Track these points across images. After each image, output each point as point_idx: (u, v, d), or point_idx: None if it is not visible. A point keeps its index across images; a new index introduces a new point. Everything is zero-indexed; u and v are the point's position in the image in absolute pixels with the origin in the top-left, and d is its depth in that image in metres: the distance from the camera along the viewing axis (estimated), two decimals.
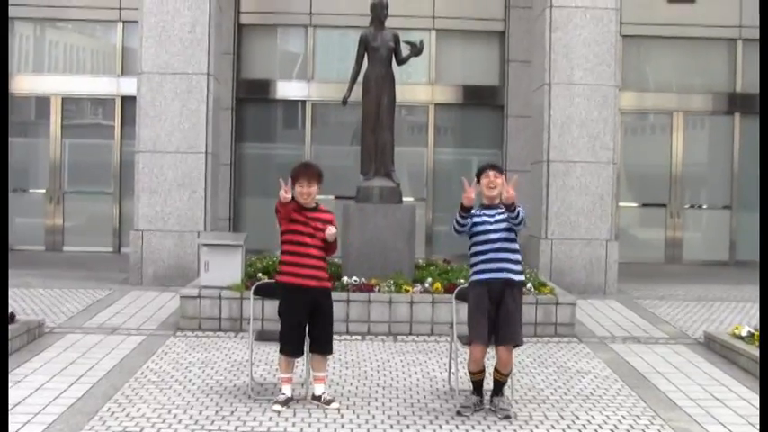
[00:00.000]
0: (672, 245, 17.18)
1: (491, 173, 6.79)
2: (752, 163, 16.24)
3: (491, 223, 6.70)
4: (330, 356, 7.11)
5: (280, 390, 6.85)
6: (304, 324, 6.77)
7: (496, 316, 6.61)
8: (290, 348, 6.76)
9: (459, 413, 6.62)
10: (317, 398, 6.82)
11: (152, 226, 12.71)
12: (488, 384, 6.91)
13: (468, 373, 6.83)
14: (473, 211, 6.75)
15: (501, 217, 6.71)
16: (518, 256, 6.78)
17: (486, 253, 6.69)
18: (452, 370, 7.26)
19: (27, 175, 17.06)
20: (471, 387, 6.85)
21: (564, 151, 12.87)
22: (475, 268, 6.78)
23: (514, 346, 6.67)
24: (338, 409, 6.67)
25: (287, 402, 6.70)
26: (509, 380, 6.83)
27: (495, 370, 6.72)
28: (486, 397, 6.83)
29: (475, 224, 6.71)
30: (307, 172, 6.79)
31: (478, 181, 6.80)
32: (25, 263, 14.15)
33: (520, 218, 6.65)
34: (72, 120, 17.12)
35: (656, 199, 17.19)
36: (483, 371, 6.75)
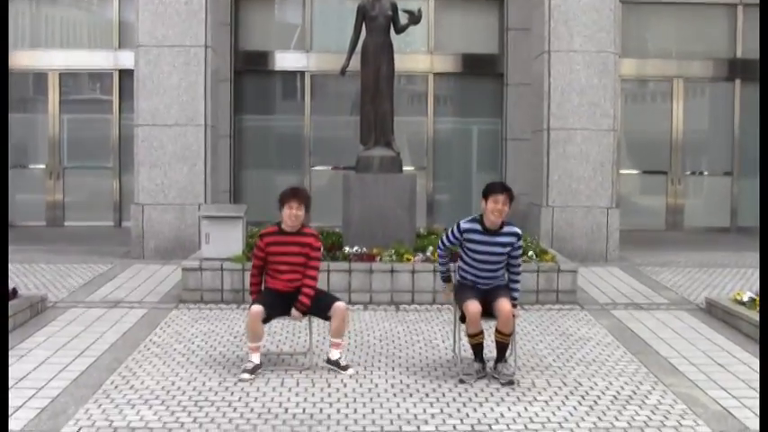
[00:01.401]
0: (673, 212, 17.17)
1: (501, 198, 6.63)
2: (753, 129, 16.22)
3: (485, 253, 6.76)
4: (347, 315, 7.10)
5: (248, 357, 6.90)
6: (279, 302, 6.89)
7: (489, 298, 6.73)
8: (261, 302, 6.80)
9: (461, 381, 6.64)
10: (332, 362, 6.92)
11: (152, 199, 12.70)
12: (491, 352, 6.92)
13: (468, 338, 6.84)
14: (471, 226, 6.77)
15: (498, 250, 6.75)
16: (505, 275, 6.92)
17: (476, 274, 6.84)
18: (456, 338, 7.26)
19: (26, 151, 17.03)
20: (473, 355, 6.88)
21: (564, 119, 12.84)
22: (462, 273, 6.92)
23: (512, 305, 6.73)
24: (352, 376, 6.78)
25: (255, 370, 6.75)
26: (511, 346, 6.84)
27: (497, 331, 6.72)
28: (489, 364, 6.86)
29: (469, 240, 6.77)
30: (297, 194, 6.92)
31: (485, 199, 6.71)
32: (27, 239, 14.16)
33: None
34: (70, 95, 17.05)
35: (657, 166, 17.16)
36: (482, 333, 6.75)
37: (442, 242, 7.00)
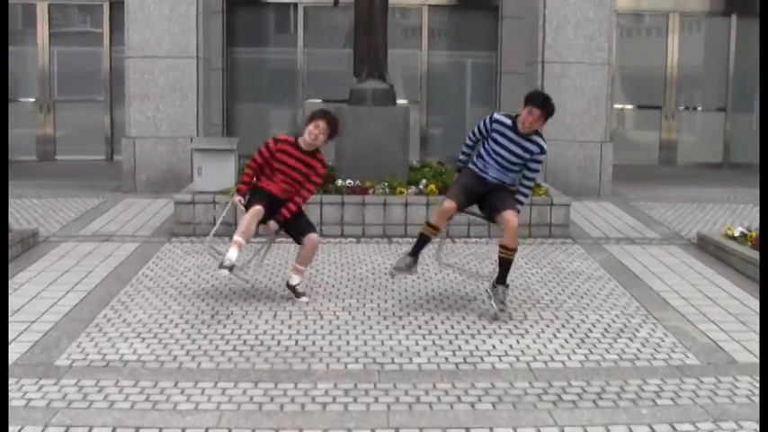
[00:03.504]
0: (666, 147, 17.14)
1: (536, 112, 6.50)
2: (747, 65, 16.13)
3: (505, 149, 6.63)
4: (317, 247, 7.05)
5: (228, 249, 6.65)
6: (268, 205, 6.81)
7: (489, 199, 6.70)
8: (256, 201, 6.76)
9: (392, 275, 6.92)
10: (290, 287, 7.01)
11: (144, 132, 12.60)
12: (487, 267, 6.95)
13: (423, 226, 6.90)
14: (503, 120, 6.67)
15: (518, 151, 6.60)
16: (514, 183, 6.81)
17: (485, 167, 6.73)
18: (440, 247, 7.39)
19: (16, 84, 16.84)
20: (411, 247, 6.92)
21: (559, 52, 12.72)
22: (475, 159, 6.84)
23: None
24: (306, 302, 6.91)
25: (232, 268, 6.57)
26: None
27: (501, 246, 6.66)
28: (489, 282, 6.89)
29: (496, 131, 6.66)
30: (327, 117, 6.85)
31: (524, 105, 6.58)
32: (18, 173, 14.09)
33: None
34: (60, 27, 16.83)
35: (651, 101, 17.08)
36: (438, 231, 6.83)
37: (472, 133, 6.89)
